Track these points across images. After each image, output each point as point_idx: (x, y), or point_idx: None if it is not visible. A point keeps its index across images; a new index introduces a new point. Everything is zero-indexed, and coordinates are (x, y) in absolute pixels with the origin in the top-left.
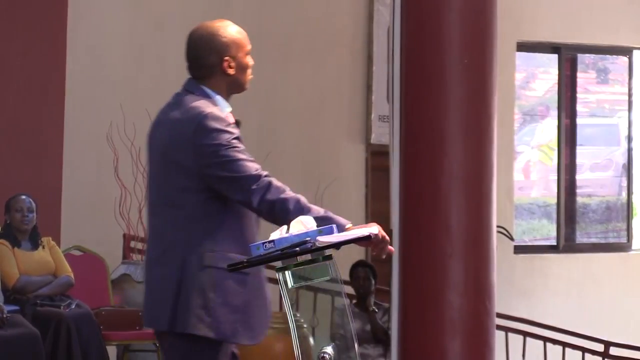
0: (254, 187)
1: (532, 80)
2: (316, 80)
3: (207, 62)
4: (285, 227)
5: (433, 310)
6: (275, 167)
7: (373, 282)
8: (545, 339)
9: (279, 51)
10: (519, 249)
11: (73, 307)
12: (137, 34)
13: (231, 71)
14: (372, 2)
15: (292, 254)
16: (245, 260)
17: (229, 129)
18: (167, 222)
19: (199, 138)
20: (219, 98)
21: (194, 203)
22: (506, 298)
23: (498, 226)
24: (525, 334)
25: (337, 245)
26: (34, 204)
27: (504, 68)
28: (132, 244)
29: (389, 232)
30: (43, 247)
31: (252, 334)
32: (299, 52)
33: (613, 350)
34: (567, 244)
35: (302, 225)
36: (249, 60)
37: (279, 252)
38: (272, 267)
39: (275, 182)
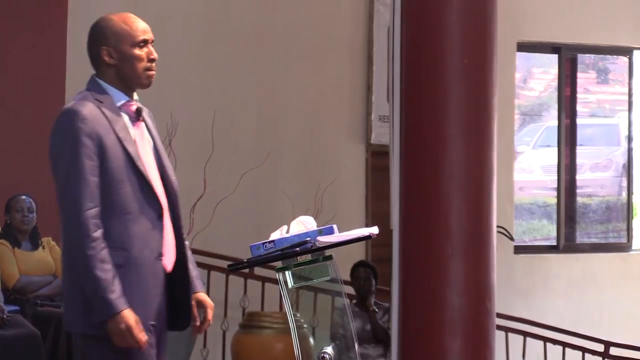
0: (74, 220)
1: (529, 79)
2: (316, 80)
3: (90, 51)
4: (285, 227)
5: (433, 310)
6: (275, 167)
7: (374, 282)
8: (545, 339)
9: (278, 51)
10: (519, 249)
11: None
12: None
13: (111, 61)
14: (372, 3)
15: (292, 254)
16: (245, 260)
17: (81, 125)
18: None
19: (50, 136)
20: (111, 89)
21: None
22: (506, 298)
23: (498, 226)
24: (525, 334)
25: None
26: (34, 204)
27: (504, 68)
28: None
29: (389, 232)
30: (43, 248)
31: None
32: (298, 53)
33: (613, 350)
34: (567, 244)
35: (302, 225)
36: (139, 52)
37: (279, 252)
38: (272, 267)
39: (96, 230)
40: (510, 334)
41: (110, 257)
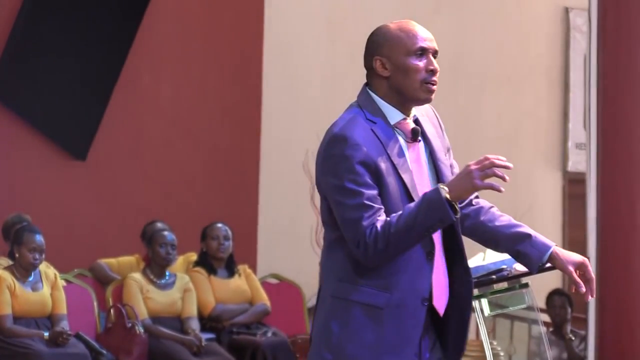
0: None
1: None
2: (512, 107)
3: (365, 63)
4: (482, 254)
5: (630, 340)
6: None
7: (569, 310)
8: None
9: (475, 79)
10: None
11: (269, 335)
12: (333, 63)
13: (384, 72)
14: (568, 30)
15: (488, 281)
16: None
17: (354, 153)
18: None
19: (320, 161)
20: (385, 105)
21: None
22: None
23: None
24: None
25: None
26: (230, 232)
27: None
28: None
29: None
30: (239, 275)
31: None
32: (495, 80)
33: None
34: None
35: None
36: (416, 63)
37: (476, 279)
38: None
39: (369, 234)
40: None
41: (371, 297)
